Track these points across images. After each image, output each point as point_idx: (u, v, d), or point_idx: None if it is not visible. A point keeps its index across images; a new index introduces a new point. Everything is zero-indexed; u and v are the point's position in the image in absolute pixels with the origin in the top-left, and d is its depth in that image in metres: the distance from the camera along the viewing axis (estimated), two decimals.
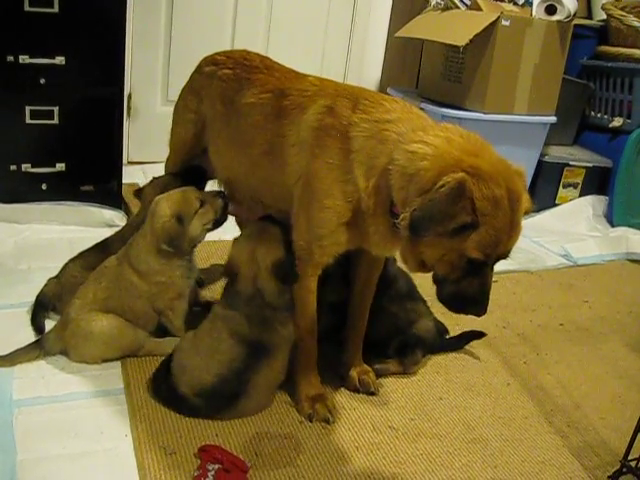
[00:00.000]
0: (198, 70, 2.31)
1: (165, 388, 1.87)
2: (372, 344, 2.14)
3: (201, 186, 2.23)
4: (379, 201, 1.69)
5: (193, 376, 1.83)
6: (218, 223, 2.12)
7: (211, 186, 2.32)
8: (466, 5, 3.48)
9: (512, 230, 1.53)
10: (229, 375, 1.81)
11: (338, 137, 1.75)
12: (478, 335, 2.39)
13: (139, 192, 2.33)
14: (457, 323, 2.41)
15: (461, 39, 3.25)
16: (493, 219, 1.49)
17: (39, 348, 1.99)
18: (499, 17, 3.29)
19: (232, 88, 2.13)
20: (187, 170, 2.31)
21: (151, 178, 2.35)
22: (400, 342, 2.16)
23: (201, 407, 1.82)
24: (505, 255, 1.59)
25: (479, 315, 1.65)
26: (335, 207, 1.76)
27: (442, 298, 1.64)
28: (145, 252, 2.03)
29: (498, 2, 3.51)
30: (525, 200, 1.58)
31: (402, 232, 1.56)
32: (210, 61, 2.27)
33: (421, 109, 3.57)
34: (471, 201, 1.47)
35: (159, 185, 2.26)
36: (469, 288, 1.58)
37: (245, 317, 1.84)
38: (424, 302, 2.23)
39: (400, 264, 1.93)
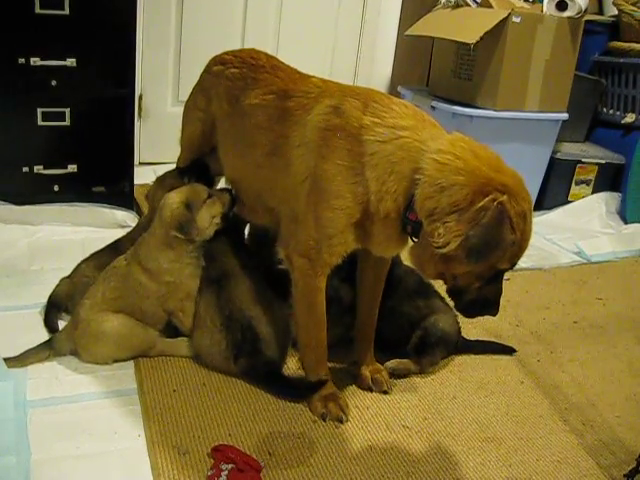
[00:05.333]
0: (207, 69, 2.32)
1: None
2: (391, 344, 2.14)
3: (205, 180, 2.23)
4: (392, 205, 1.70)
5: None
6: (227, 218, 2.12)
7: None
8: (476, 2, 3.47)
9: (530, 238, 1.64)
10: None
11: (348, 139, 1.75)
12: (509, 350, 2.39)
13: (148, 195, 2.35)
14: (470, 320, 2.39)
15: (472, 36, 3.24)
16: (523, 232, 1.59)
17: (49, 348, 2.00)
18: (510, 14, 3.27)
19: (238, 87, 2.14)
20: (190, 165, 2.32)
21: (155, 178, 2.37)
22: (420, 339, 2.14)
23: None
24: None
25: (494, 315, 1.76)
26: (344, 208, 1.76)
27: (461, 307, 1.75)
28: (155, 249, 2.03)
29: None
30: None
31: (434, 250, 1.59)
32: (218, 60, 2.28)
33: (432, 107, 3.58)
34: (510, 220, 1.55)
35: (163, 182, 2.28)
36: (488, 294, 1.70)
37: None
38: (441, 298, 2.21)
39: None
